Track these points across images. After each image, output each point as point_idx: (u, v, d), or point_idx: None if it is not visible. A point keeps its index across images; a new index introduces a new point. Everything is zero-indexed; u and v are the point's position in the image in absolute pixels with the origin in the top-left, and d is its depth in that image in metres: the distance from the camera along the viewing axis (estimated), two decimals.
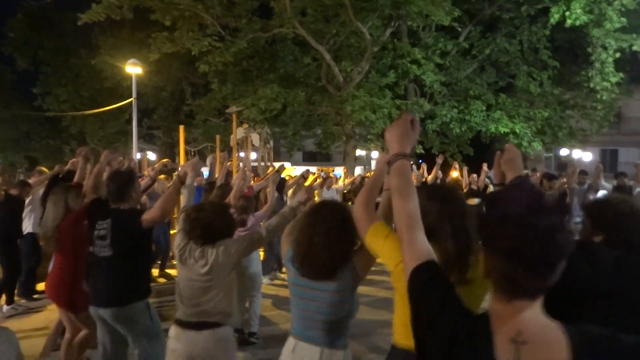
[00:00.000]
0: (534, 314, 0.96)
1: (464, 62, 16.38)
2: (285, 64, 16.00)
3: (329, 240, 2.06)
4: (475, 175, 11.00)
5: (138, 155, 13.73)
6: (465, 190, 10.65)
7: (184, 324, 2.65)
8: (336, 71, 14.92)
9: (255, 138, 16.30)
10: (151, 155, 18.74)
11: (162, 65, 17.44)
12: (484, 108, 15.27)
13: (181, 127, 11.75)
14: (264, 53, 16.37)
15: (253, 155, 17.27)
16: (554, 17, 13.17)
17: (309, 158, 30.72)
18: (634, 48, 13.13)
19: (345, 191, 9.56)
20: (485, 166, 9.18)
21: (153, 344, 3.14)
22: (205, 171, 13.92)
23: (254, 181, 9.09)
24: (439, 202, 1.88)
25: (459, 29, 15.94)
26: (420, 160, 19.31)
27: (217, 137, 14.45)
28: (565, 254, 0.95)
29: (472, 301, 1.64)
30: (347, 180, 10.11)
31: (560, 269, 0.95)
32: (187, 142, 14.89)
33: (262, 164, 17.11)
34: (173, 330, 2.68)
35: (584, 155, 23.71)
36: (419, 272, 1.10)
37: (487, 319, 0.99)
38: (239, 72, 16.16)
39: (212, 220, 2.64)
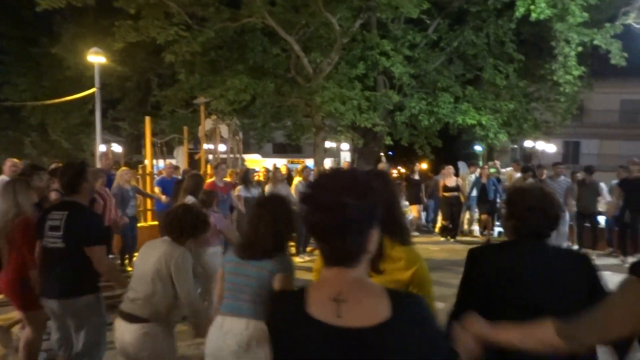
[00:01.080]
0: (355, 278, 1.11)
1: (433, 54, 16.52)
2: (254, 54, 15.79)
3: (272, 229, 2.36)
4: (451, 168, 11.23)
5: (102, 148, 13.37)
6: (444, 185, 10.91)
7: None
8: (305, 62, 14.83)
9: (224, 130, 16.08)
10: (116, 147, 18.29)
11: (127, 54, 16.96)
12: (452, 100, 15.47)
13: (147, 119, 11.50)
14: (233, 43, 16.11)
15: (222, 147, 17.08)
16: (520, 11, 13.38)
17: (279, 150, 30.60)
18: (595, 42, 13.49)
19: None
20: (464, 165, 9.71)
21: (97, 337, 3.16)
22: (173, 162, 13.69)
23: (229, 177, 9.04)
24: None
25: (428, 22, 16.05)
26: (390, 152, 19.49)
27: (185, 128, 14.26)
28: (354, 229, 1.08)
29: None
30: None
31: (361, 242, 1.10)
32: (153, 134, 14.59)
33: (232, 156, 16.94)
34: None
35: (547, 147, 24.43)
36: None
37: (303, 289, 1.16)
38: (206, 63, 15.86)
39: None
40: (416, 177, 11.93)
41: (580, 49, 13.51)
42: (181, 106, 17.69)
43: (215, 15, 14.26)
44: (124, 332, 2.74)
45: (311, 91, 14.14)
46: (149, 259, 2.80)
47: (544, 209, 1.93)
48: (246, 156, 20.62)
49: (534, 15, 13.03)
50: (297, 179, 9.30)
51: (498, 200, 10.34)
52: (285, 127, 19.24)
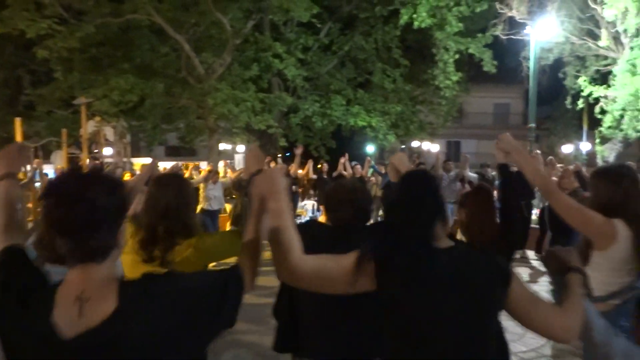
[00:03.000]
0: (99, 274, 1.10)
1: (325, 57, 16.91)
2: (141, 53, 14.92)
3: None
4: (359, 167, 11.53)
5: None
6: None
7: None
8: (197, 62, 14.36)
9: (109, 132, 15.06)
10: None
11: None
12: (344, 103, 15.96)
13: (17, 120, 10.39)
14: (117, 40, 15.08)
15: (108, 151, 15.95)
16: (403, 19, 14.20)
17: (172, 153, 29.28)
18: (470, 51, 14.75)
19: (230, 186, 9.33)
20: (368, 158, 10.23)
21: None
22: (50, 169, 12.51)
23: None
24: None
25: (319, 26, 16.38)
26: (287, 154, 19.63)
27: (64, 131, 13.06)
28: (104, 224, 1.07)
29: None
30: (234, 175, 9.81)
31: (111, 237, 1.10)
32: (27, 137, 13.25)
33: (119, 159, 15.89)
34: None
35: (432, 147, 26.17)
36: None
37: (54, 288, 1.12)
38: (87, 60, 14.67)
39: None
40: (324, 176, 12.17)
41: (457, 56, 14.66)
42: (59, 106, 16.19)
43: (95, 9, 13.26)
44: None
45: (203, 92, 13.73)
46: None
47: (353, 202, 2.06)
48: (136, 160, 19.49)
49: (416, 24, 13.90)
50: None
51: None
52: (177, 129, 18.49)
